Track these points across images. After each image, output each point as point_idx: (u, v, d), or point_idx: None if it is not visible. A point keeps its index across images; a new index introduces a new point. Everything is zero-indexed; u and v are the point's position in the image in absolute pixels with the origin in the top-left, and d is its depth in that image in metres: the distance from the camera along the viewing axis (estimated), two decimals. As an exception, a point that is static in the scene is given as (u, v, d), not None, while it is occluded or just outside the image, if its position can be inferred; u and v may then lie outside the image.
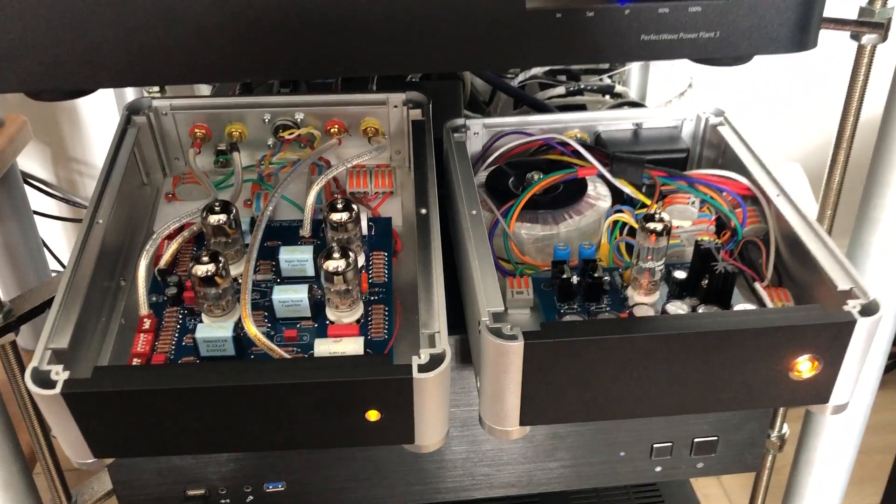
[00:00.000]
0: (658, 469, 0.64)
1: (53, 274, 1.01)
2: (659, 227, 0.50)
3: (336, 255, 0.49)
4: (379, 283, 0.55)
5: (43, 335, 0.46)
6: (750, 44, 0.45)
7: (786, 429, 0.68)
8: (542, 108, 0.78)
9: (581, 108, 0.83)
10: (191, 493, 0.60)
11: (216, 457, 0.59)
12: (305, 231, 0.58)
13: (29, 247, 0.96)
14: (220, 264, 0.49)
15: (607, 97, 0.85)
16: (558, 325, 0.49)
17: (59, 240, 1.15)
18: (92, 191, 0.55)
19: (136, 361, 0.49)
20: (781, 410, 0.67)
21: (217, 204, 0.53)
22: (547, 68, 0.85)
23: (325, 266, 0.49)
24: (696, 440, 0.63)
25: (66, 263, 0.91)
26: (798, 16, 0.44)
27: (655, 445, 0.63)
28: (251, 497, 0.61)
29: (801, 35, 0.45)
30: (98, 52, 0.42)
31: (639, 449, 0.63)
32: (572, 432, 0.62)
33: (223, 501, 0.61)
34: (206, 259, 0.49)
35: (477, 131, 0.66)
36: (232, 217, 0.53)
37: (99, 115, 1.05)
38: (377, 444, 0.48)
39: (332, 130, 0.64)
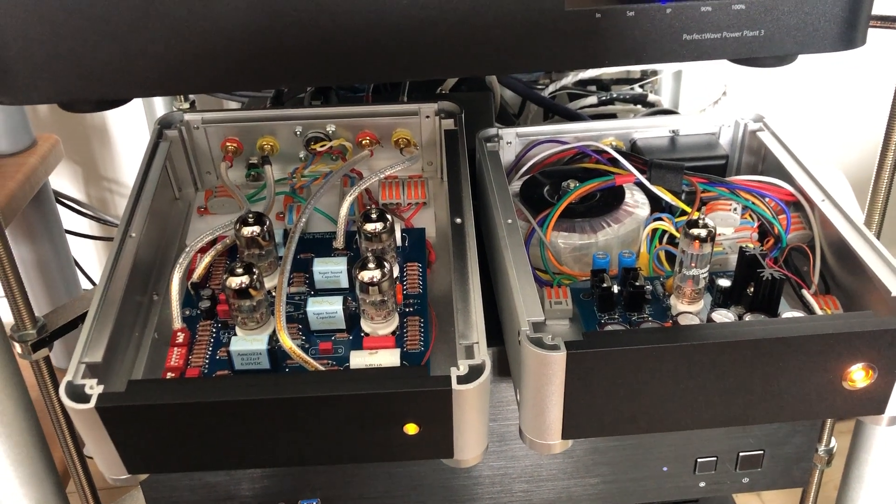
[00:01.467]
0: (702, 484, 0.62)
1: (84, 291, 1.02)
2: (703, 233, 0.48)
3: (371, 265, 0.48)
4: (414, 295, 0.54)
5: (77, 349, 0.45)
6: (795, 42, 0.43)
7: (833, 443, 0.66)
8: (574, 117, 0.77)
9: (613, 118, 0.82)
10: (224, 510, 0.60)
11: (250, 473, 0.59)
12: (339, 243, 0.57)
13: (61, 265, 0.96)
14: (255, 276, 0.48)
15: (639, 106, 0.84)
16: (602, 334, 0.48)
17: (90, 258, 1.16)
18: (122, 209, 0.55)
19: (169, 375, 0.48)
20: (829, 424, 0.65)
21: (251, 216, 0.52)
22: (577, 78, 0.84)
23: (360, 277, 0.48)
24: (741, 454, 0.61)
25: (97, 281, 0.92)
26: (846, 13, 0.42)
27: (699, 460, 0.61)
28: (285, 514, 0.60)
29: (848, 32, 0.43)
30: (131, 61, 0.41)
31: (682, 464, 0.61)
32: (613, 447, 0.60)
33: (257, 519, 0.60)
34: (240, 271, 0.48)
35: (510, 141, 0.65)
36: (265, 229, 0.52)
37: (129, 133, 1.05)
38: (415, 458, 0.46)
39: (363, 142, 0.64)
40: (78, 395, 0.43)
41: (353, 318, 0.51)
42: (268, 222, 0.52)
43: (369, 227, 0.52)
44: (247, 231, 0.52)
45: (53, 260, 0.95)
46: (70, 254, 0.98)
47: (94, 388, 0.43)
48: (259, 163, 0.64)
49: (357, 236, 0.56)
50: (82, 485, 0.63)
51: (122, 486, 0.47)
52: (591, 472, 0.62)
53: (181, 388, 0.44)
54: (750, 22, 0.42)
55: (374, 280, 0.48)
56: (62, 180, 1.08)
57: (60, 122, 1.04)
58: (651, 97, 0.84)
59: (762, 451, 0.61)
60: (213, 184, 0.65)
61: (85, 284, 1.04)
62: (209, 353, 0.50)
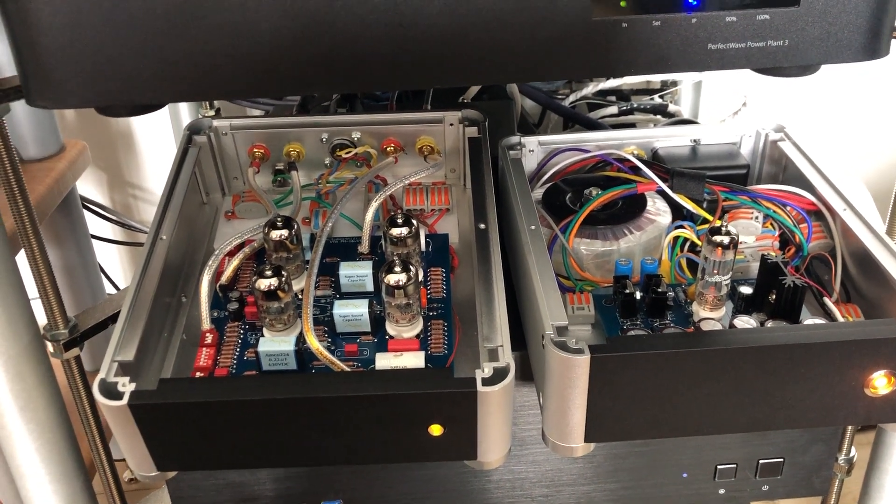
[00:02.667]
0: (721, 492, 0.62)
1: (113, 294, 1.03)
2: (726, 240, 0.49)
3: (397, 268, 0.49)
4: (437, 299, 0.54)
5: (109, 348, 0.46)
6: (819, 52, 0.44)
7: (854, 452, 0.66)
8: (594, 127, 0.78)
9: (633, 128, 0.82)
10: (248, 510, 0.60)
11: (273, 473, 0.59)
12: (364, 247, 0.58)
13: (87, 269, 0.98)
14: (283, 278, 0.49)
15: (659, 117, 0.85)
16: (625, 338, 0.48)
17: (113, 263, 1.17)
18: (146, 215, 0.56)
19: (198, 375, 0.49)
20: (849, 432, 0.65)
21: (279, 220, 0.53)
22: (597, 88, 0.84)
23: (386, 280, 0.49)
24: (761, 462, 0.61)
25: (121, 286, 0.93)
26: (870, 23, 0.43)
27: (719, 467, 0.61)
28: (308, 515, 0.61)
29: (872, 43, 0.44)
30: (166, 67, 0.42)
31: (702, 470, 0.61)
32: (633, 452, 0.61)
33: (280, 519, 0.61)
34: (269, 273, 0.49)
35: (532, 149, 0.65)
36: (293, 232, 0.53)
37: (154, 140, 1.07)
38: (439, 459, 0.47)
39: (388, 149, 0.65)
40: (111, 392, 0.43)
41: (378, 321, 0.52)
42: (296, 226, 0.53)
43: (395, 231, 0.53)
44: (275, 234, 0.53)
45: (79, 264, 0.96)
46: (95, 258, 1.00)
47: (126, 386, 0.44)
48: (285, 169, 0.65)
49: (382, 241, 0.57)
50: (108, 483, 0.63)
51: (150, 483, 0.48)
52: (611, 478, 0.62)
53: (211, 386, 0.45)
54: (774, 32, 0.43)
55: (401, 283, 0.49)
56: (88, 186, 1.10)
57: (87, 129, 1.06)
58: (671, 108, 0.85)
59: (782, 459, 0.61)
60: (240, 189, 0.66)
61: (109, 289, 1.05)
62: (237, 353, 0.51)
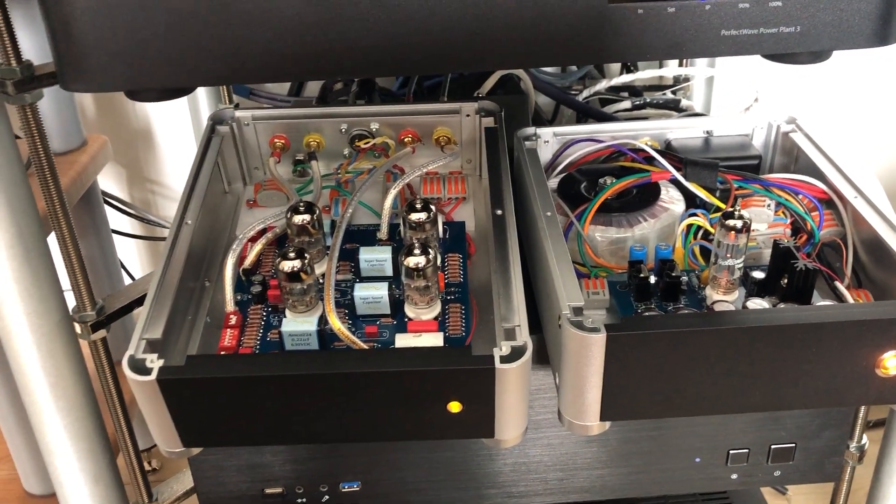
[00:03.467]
0: (734, 476, 0.63)
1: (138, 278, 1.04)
2: (739, 224, 0.50)
3: (417, 251, 0.50)
4: (455, 283, 0.56)
5: (137, 327, 0.47)
6: (831, 38, 0.45)
7: (865, 440, 0.67)
8: (608, 120, 0.79)
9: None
10: (269, 491, 0.62)
11: (294, 455, 0.61)
12: (382, 234, 0.59)
13: (107, 263, 0.99)
14: (306, 261, 0.51)
15: (672, 112, 0.86)
16: (641, 318, 0.49)
17: (132, 258, 1.19)
18: (164, 211, 0.58)
19: (222, 353, 0.51)
20: (861, 419, 0.65)
21: (301, 205, 0.54)
22: (610, 84, 0.85)
23: (406, 262, 0.50)
24: (773, 447, 0.62)
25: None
26: (881, 9, 0.44)
27: (731, 452, 0.62)
28: (327, 496, 0.62)
29: (884, 28, 0.45)
30: (197, 51, 0.44)
31: (715, 455, 0.62)
32: (647, 437, 0.62)
33: (300, 500, 0.62)
34: (292, 255, 0.50)
35: (547, 140, 0.67)
36: (315, 217, 0.54)
37: (173, 136, 1.09)
38: (457, 437, 0.48)
39: (405, 139, 0.66)
40: (139, 368, 0.45)
41: (397, 304, 0.53)
42: (317, 211, 0.55)
43: (414, 216, 0.54)
44: (298, 219, 0.54)
45: (100, 257, 0.98)
46: (116, 252, 1.01)
47: (154, 362, 0.45)
48: (305, 159, 0.66)
49: (401, 227, 0.58)
50: (132, 462, 0.65)
51: (177, 458, 0.49)
52: (625, 462, 0.63)
53: (237, 362, 0.46)
54: (786, 18, 0.44)
55: (420, 266, 0.50)
56: (108, 181, 1.12)
57: (108, 124, 1.08)
58: (683, 103, 0.86)
59: (794, 445, 0.62)
60: (260, 178, 0.67)
61: (128, 283, 1.07)
62: (260, 334, 0.52)
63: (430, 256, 0.50)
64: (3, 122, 0.53)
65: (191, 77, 0.44)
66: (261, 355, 0.49)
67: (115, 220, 1.05)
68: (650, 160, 0.62)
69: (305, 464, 0.61)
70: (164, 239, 1.01)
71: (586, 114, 0.81)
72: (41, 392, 0.56)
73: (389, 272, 0.56)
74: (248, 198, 0.65)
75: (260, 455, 0.60)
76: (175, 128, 1.08)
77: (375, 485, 0.62)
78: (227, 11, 0.42)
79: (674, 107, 0.85)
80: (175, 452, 0.49)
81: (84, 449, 0.59)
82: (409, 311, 0.53)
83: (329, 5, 0.42)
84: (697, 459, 0.63)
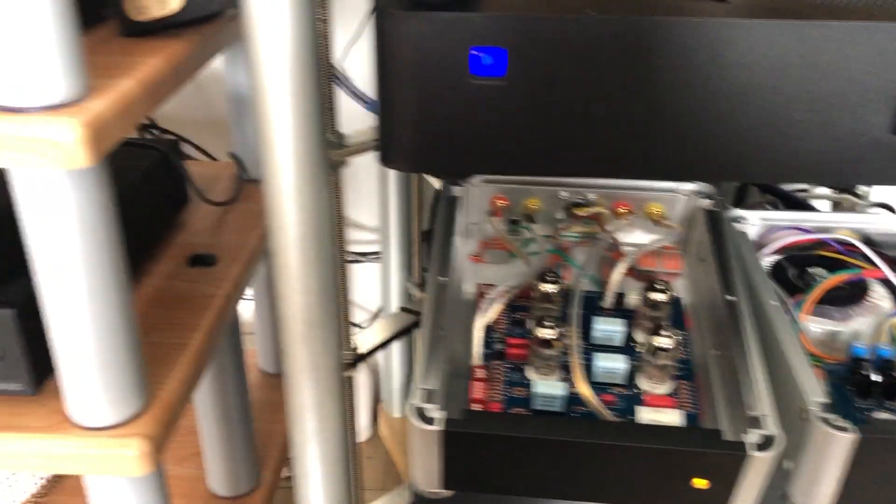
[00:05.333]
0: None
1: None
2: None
3: (665, 332, 0.55)
4: (679, 360, 0.60)
5: (416, 376, 0.53)
6: None
7: None
8: (799, 204, 0.82)
9: (824, 200, 0.86)
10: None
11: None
12: (607, 303, 0.64)
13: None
14: (560, 330, 0.56)
15: (850, 197, 0.88)
16: (893, 422, 0.52)
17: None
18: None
19: (475, 406, 0.56)
20: None
21: (549, 275, 0.59)
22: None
23: (654, 341, 0.55)
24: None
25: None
26: None
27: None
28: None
29: None
30: (517, 146, 0.50)
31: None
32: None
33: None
34: (548, 324, 0.55)
35: (754, 223, 0.70)
36: (560, 288, 0.59)
37: (366, 178, 1.17)
38: (694, 510, 0.52)
39: (620, 210, 0.71)
40: (424, 417, 0.50)
41: (629, 374, 0.58)
42: (562, 282, 0.60)
43: (655, 296, 0.58)
44: (547, 288, 0.59)
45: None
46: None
47: (436, 413, 0.50)
48: (520, 219, 0.72)
49: (623, 298, 0.63)
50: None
51: (433, 496, 0.54)
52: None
53: (515, 422, 0.51)
54: None
55: (665, 346, 0.55)
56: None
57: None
58: (861, 188, 0.89)
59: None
60: (475, 233, 0.72)
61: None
62: (505, 390, 0.58)
63: (676, 339, 0.55)
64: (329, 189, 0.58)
65: (504, 166, 0.50)
66: (538, 418, 0.54)
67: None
68: (854, 252, 0.66)
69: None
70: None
71: (776, 195, 0.85)
72: (310, 425, 0.61)
73: (619, 342, 0.60)
74: (468, 251, 0.71)
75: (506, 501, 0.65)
76: (368, 171, 1.16)
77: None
78: (545, 114, 0.47)
79: (851, 191, 0.88)
80: (433, 492, 0.54)
81: (332, 474, 0.65)
82: (644, 383, 0.57)
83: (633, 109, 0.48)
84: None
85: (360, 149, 0.55)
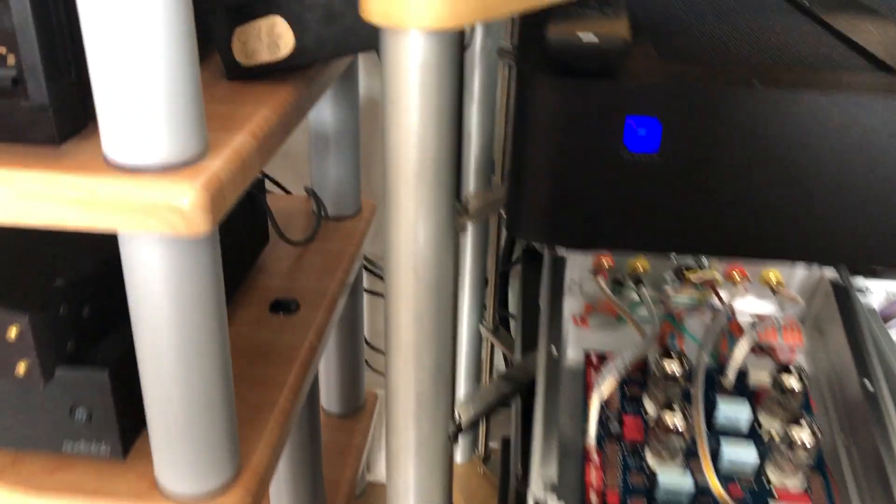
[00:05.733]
0: None
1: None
2: None
3: (804, 424, 0.50)
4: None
5: (534, 462, 0.49)
6: None
7: None
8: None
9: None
10: None
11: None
12: (728, 384, 0.59)
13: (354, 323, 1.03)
14: (684, 415, 0.51)
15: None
16: None
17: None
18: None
19: (592, 494, 0.52)
20: None
21: (674, 353, 0.55)
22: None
23: (793, 434, 0.50)
24: None
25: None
26: None
27: None
28: None
29: None
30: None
31: None
32: None
33: None
34: (675, 408, 0.51)
35: (878, 294, 0.66)
36: (686, 369, 0.55)
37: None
38: None
39: (733, 274, 0.66)
40: (544, 509, 0.46)
41: (759, 466, 0.53)
42: (688, 362, 0.55)
43: (791, 383, 0.54)
44: (671, 367, 0.55)
45: (347, 317, 1.02)
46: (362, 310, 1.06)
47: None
48: (623, 280, 0.67)
49: (745, 377, 0.59)
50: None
51: None
52: None
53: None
54: None
55: (804, 442, 0.50)
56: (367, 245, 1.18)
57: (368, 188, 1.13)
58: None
59: None
60: (581, 295, 0.68)
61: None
62: (621, 476, 0.53)
63: (813, 433, 0.50)
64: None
65: (645, 244, 0.46)
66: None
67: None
68: None
69: None
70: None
71: None
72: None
73: (745, 429, 0.56)
74: (573, 313, 0.67)
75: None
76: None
77: None
78: (697, 192, 0.44)
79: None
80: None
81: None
82: (774, 475, 0.53)
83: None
84: None
85: (482, 213, 0.51)
